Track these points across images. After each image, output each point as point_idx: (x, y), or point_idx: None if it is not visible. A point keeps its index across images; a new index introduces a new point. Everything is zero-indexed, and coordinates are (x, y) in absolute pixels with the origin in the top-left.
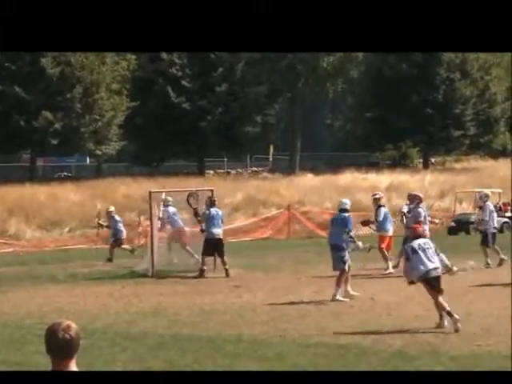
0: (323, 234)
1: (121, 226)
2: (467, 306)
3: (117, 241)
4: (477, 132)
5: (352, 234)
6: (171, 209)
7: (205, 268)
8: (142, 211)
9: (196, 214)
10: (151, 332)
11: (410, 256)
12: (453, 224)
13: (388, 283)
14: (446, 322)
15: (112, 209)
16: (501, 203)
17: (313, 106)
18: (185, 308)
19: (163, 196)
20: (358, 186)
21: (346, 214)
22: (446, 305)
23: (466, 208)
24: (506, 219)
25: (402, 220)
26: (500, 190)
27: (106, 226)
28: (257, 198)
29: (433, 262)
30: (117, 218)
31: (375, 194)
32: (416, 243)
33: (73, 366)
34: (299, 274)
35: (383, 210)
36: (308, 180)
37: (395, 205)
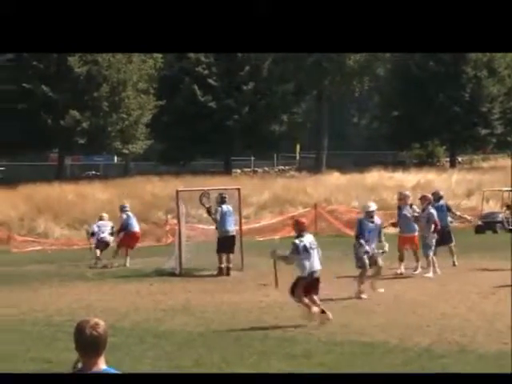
0: (350, 232)
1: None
2: (495, 304)
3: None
4: (504, 130)
5: (361, 239)
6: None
7: (222, 266)
8: (169, 210)
9: (209, 212)
10: (179, 330)
11: (300, 252)
12: (480, 223)
13: (413, 281)
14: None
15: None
16: None
17: (339, 104)
18: (212, 306)
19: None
20: (384, 184)
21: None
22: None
23: (492, 207)
24: None
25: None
26: None
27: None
28: (284, 196)
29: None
30: (130, 214)
31: (399, 194)
32: (308, 241)
33: (101, 363)
34: (325, 273)
35: (403, 211)
36: (334, 179)
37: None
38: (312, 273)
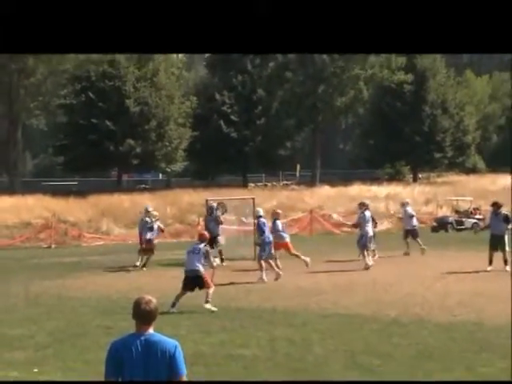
0: (337, 231)
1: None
2: (445, 285)
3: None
4: (453, 154)
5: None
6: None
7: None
8: (200, 214)
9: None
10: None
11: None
12: (435, 224)
13: (386, 268)
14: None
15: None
16: (472, 208)
17: (329, 134)
18: (232, 286)
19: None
20: (363, 195)
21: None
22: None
23: (445, 212)
24: (476, 220)
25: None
26: (471, 198)
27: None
28: (287, 204)
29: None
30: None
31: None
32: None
33: (150, 329)
34: (318, 261)
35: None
36: (326, 191)
37: (390, 209)
38: None
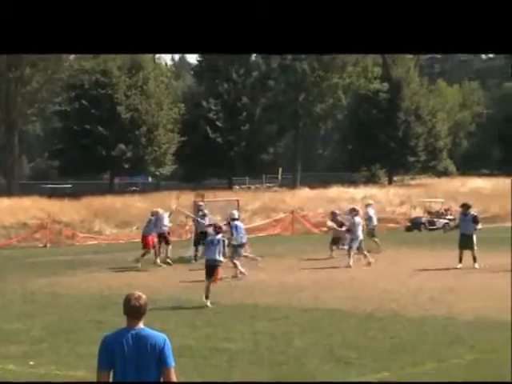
0: (316, 230)
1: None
2: (418, 282)
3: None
4: (426, 159)
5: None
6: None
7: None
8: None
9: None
10: (195, 300)
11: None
12: (409, 224)
13: (364, 267)
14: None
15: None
16: (443, 209)
17: (309, 140)
18: (219, 284)
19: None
20: (341, 197)
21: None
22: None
23: (418, 213)
24: (447, 220)
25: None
26: (442, 200)
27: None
28: (269, 205)
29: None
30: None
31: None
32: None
33: (140, 324)
34: (299, 259)
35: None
36: (306, 193)
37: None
38: None
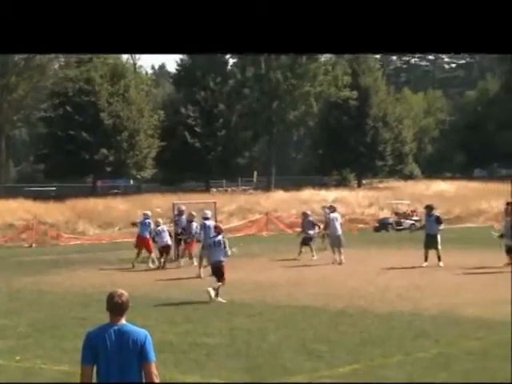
0: (290, 231)
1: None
2: (385, 280)
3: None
4: (393, 163)
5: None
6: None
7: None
8: (168, 216)
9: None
10: (175, 298)
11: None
12: (377, 225)
13: (335, 266)
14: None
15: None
16: (409, 210)
17: (283, 145)
18: (196, 280)
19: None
20: (313, 199)
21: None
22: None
23: (386, 214)
24: (413, 221)
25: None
26: (409, 202)
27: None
28: (245, 207)
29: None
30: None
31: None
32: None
33: (123, 320)
34: (273, 258)
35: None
36: (280, 195)
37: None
38: None
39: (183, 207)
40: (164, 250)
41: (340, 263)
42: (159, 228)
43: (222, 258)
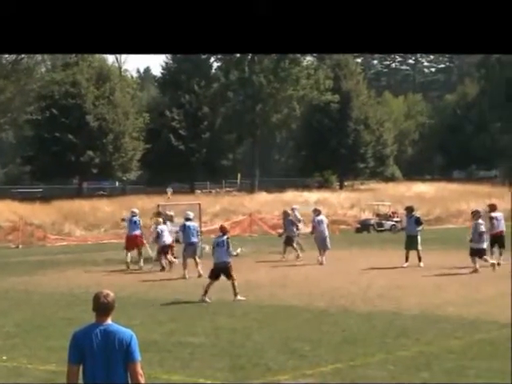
0: (273, 232)
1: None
2: (367, 279)
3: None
4: (374, 165)
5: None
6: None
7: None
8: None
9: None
10: (160, 298)
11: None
12: (358, 226)
13: (317, 266)
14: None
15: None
16: (390, 212)
17: (266, 147)
18: (181, 281)
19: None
20: (296, 201)
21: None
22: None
23: (367, 215)
24: (394, 222)
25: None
26: (390, 203)
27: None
28: (229, 208)
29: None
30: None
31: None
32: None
33: (108, 320)
34: (257, 259)
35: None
36: (263, 197)
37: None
38: None
39: (160, 210)
40: (163, 250)
41: (321, 263)
42: (159, 228)
43: (226, 259)
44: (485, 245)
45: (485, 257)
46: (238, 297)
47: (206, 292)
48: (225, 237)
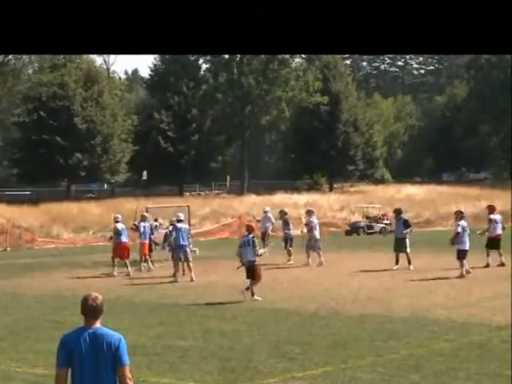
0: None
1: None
2: (357, 282)
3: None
4: (364, 167)
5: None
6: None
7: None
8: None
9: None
10: (148, 300)
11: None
12: (348, 228)
13: (307, 269)
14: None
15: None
16: (380, 214)
17: (256, 149)
18: (170, 285)
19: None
20: (285, 203)
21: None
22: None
23: (357, 217)
24: (384, 225)
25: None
26: (379, 205)
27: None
28: (218, 210)
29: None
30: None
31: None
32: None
33: (97, 323)
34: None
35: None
36: (252, 199)
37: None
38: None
39: (146, 214)
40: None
41: (307, 265)
42: (160, 229)
43: (251, 258)
44: (467, 246)
45: (464, 260)
46: (256, 297)
47: (252, 293)
48: (250, 236)
